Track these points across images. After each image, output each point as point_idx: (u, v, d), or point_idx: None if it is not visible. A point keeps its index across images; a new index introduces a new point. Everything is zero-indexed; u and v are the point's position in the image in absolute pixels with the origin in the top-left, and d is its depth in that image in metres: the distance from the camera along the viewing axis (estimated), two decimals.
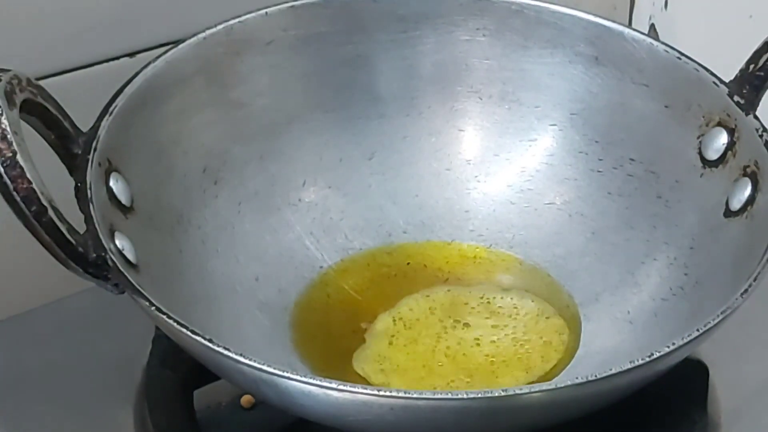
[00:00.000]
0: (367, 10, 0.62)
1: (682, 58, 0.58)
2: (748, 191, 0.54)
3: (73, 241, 0.46)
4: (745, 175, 0.55)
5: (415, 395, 0.43)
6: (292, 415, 0.50)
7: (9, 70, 0.48)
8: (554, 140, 0.63)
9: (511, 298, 0.60)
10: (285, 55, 0.61)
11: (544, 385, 0.43)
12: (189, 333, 0.45)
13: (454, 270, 0.62)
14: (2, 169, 0.45)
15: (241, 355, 0.44)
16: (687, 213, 0.58)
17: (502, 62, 0.63)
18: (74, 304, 0.61)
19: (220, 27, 0.59)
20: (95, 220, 0.48)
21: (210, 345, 0.44)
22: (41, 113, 0.49)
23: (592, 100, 0.62)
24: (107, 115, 0.52)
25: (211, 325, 0.52)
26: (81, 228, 0.48)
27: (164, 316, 0.45)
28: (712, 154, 0.57)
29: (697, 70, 0.58)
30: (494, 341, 0.57)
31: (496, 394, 0.43)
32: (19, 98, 0.47)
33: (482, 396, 0.43)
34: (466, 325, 0.58)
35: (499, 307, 0.59)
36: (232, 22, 0.59)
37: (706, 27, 0.75)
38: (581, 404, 0.46)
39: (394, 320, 0.58)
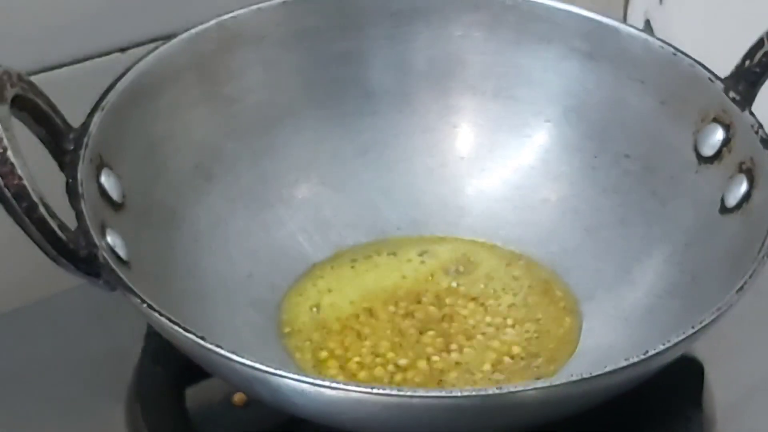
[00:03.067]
0: (359, 5, 0.62)
1: (678, 53, 0.58)
2: (743, 188, 0.54)
3: (64, 238, 0.46)
4: (740, 171, 0.55)
5: (408, 393, 0.42)
6: (284, 413, 0.50)
7: None
8: (549, 136, 0.63)
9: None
10: (277, 51, 0.61)
11: (539, 383, 0.43)
12: (181, 330, 0.44)
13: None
14: None
15: (233, 352, 0.43)
16: (682, 210, 0.57)
17: (497, 58, 0.63)
18: (65, 301, 0.61)
19: (212, 22, 0.59)
20: (86, 217, 0.48)
21: (202, 342, 0.44)
22: (32, 109, 0.49)
23: (587, 96, 0.62)
24: (98, 111, 0.52)
25: (203, 322, 0.52)
26: (72, 224, 0.47)
27: (156, 313, 0.45)
28: (708, 151, 0.57)
29: (693, 66, 0.58)
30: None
31: (491, 392, 0.43)
32: (9, 94, 0.47)
33: (476, 394, 0.43)
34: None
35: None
36: (224, 17, 0.59)
37: (701, 22, 0.75)
38: (576, 402, 0.46)
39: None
